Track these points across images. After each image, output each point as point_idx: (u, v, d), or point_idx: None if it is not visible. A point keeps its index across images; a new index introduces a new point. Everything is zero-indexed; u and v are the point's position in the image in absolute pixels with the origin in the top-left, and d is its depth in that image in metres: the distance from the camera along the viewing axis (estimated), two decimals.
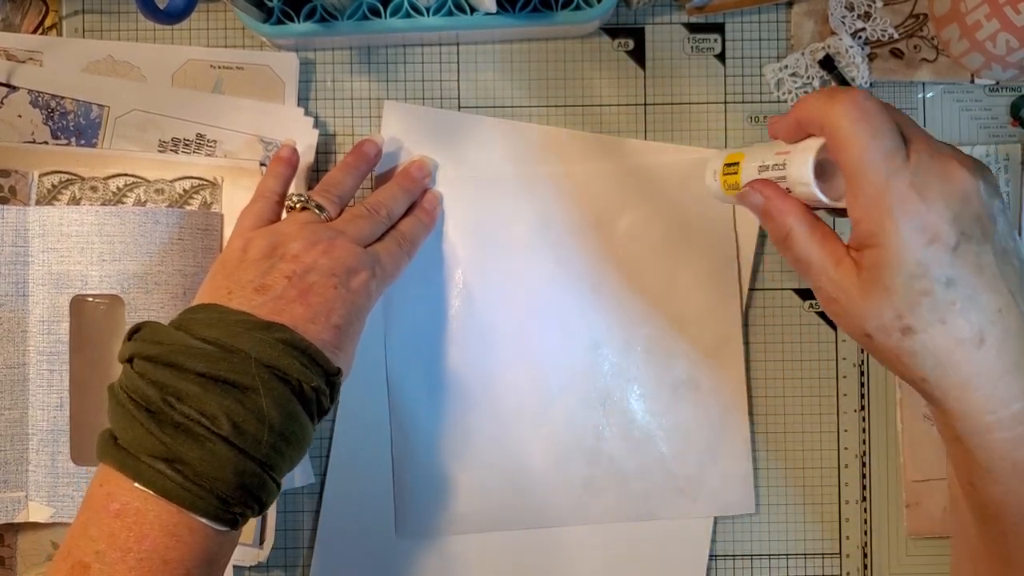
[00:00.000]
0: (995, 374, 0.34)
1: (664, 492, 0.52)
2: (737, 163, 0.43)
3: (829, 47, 0.52)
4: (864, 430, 0.53)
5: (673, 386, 0.52)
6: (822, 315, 0.53)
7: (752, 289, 0.53)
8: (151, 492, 0.35)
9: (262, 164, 0.52)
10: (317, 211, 0.46)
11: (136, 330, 0.40)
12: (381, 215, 0.47)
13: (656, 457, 0.52)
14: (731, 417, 0.52)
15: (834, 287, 0.36)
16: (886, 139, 0.34)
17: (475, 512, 0.52)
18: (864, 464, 0.53)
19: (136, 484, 0.35)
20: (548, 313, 0.52)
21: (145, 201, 0.52)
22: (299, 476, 0.51)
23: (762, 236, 0.53)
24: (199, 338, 0.38)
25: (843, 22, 0.53)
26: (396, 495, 0.52)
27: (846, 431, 0.53)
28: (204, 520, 0.36)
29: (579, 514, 0.52)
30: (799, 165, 0.37)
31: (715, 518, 0.53)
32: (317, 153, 0.53)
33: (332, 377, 0.40)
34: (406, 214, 0.50)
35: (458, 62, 0.53)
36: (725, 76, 0.54)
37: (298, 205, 0.46)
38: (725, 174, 0.44)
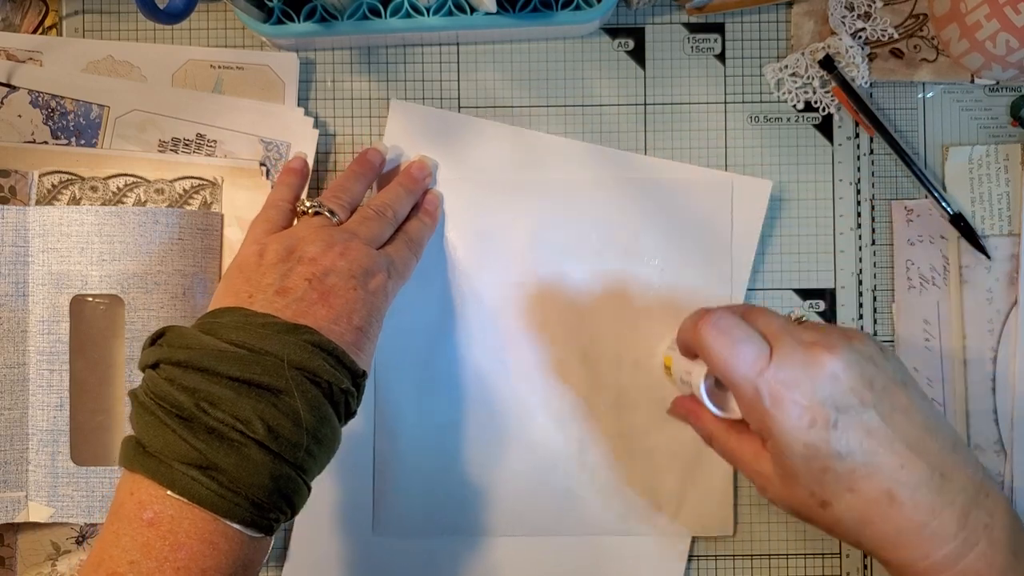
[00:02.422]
0: (915, 525, 0.36)
1: (644, 508, 0.52)
2: (668, 367, 0.47)
3: (829, 47, 0.52)
4: None
5: (660, 402, 0.52)
6: (822, 315, 0.53)
7: (751, 289, 0.53)
8: (186, 500, 0.35)
9: (262, 164, 0.52)
10: (329, 215, 0.46)
11: (159, 335, 0.39)
12: (388, 216, 0.47)
13: (639, 473, 0.52)
14: None
15: (758, 476, 0.40)
16: (746, 348, 0.37)
17: (455, 515, 0.52)
18: None
19: (170, 492, 0.35)
20: (540, 321, 0.52)
21: (145, 201, 0.52)
22: None
23: (763, 236, 0.53)
24: (228, 341, 0.37)
25: (843, 22, 0.53)
26: (376, 493, 0.52)
27: None
28: (240, 527, 0.35)
29: (559, 524, 0.52)
30: (696, 387, 0.42)
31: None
32: (317, 153, 0.53)
33: (358, 379, 0.40)
34: (409, 215, 0.50)
35: (458, 62, 0.53)
36: (725, 76, 0.54)
37: (311, 210, 0.46)
38: (666, 369, 0.48)
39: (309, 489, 0.38)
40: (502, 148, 0.52)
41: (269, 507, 0.36)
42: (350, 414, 0.40)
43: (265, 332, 0.38)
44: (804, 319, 0.42)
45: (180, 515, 0.35)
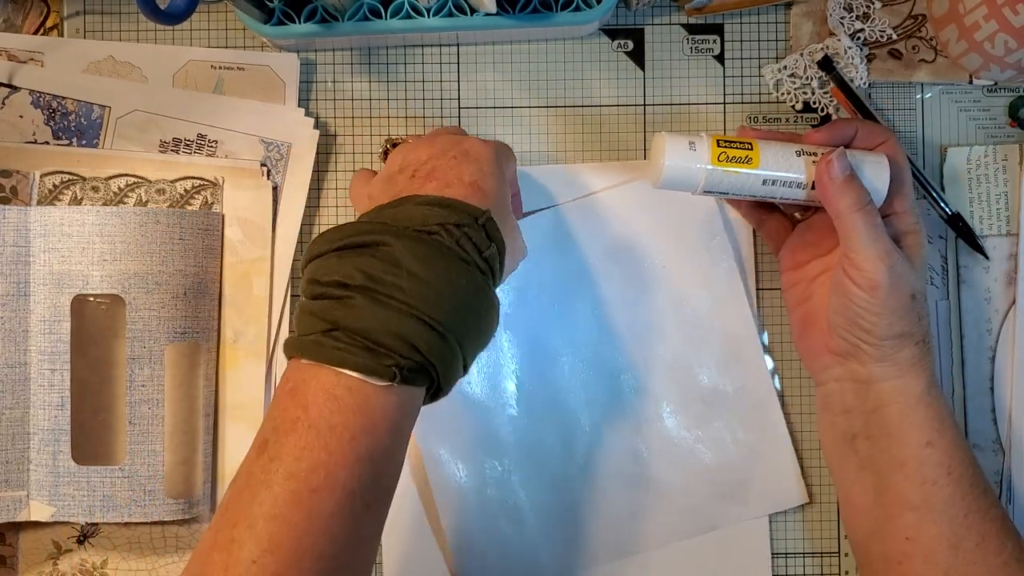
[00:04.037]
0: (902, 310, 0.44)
1: (714, 502, 0.52)
2: (745, 142, 0.45)
3: (828, 48, 0.53)
4: None
5: (702, 396, 0.52)
6: None
7: (759, 289, 0.53)
8: (310, 362, 0.37)
9: (263, 164, 0.52)
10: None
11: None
12: None
13: (699, 469, 0.52)
14: (764, 414, 0.53)
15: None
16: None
17: (525, 564, 0.52)
18: None
19: (303, 360, 0.37)
20: (563, 351, 0.52)
21: (146, 201, 0.52)
22: None
23: (759, 236, 0.53)
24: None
25: (842, 23, 0.53)
26: (449, 538, 0.52)
27: None
28: (358, 375, 0.36)
29: (633, 542, 0.52)
30: (875, 168, 0.44)
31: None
32: (317, 153, 0.53)
33: (479, 219, 0.39)
34: None
35: (458, 62, 0.54)
36: (724, 77, 0.54)
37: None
38: (727, 147, 0.45)
39: (443, 336, 0.37)
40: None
41: (384, 350, 0.36)
42: (481, 255, 0.39)
43: (374, 214, 0.40)
44: None
45: (308, 377, 0.37)
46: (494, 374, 0.52)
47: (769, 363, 0.53)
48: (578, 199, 0.53)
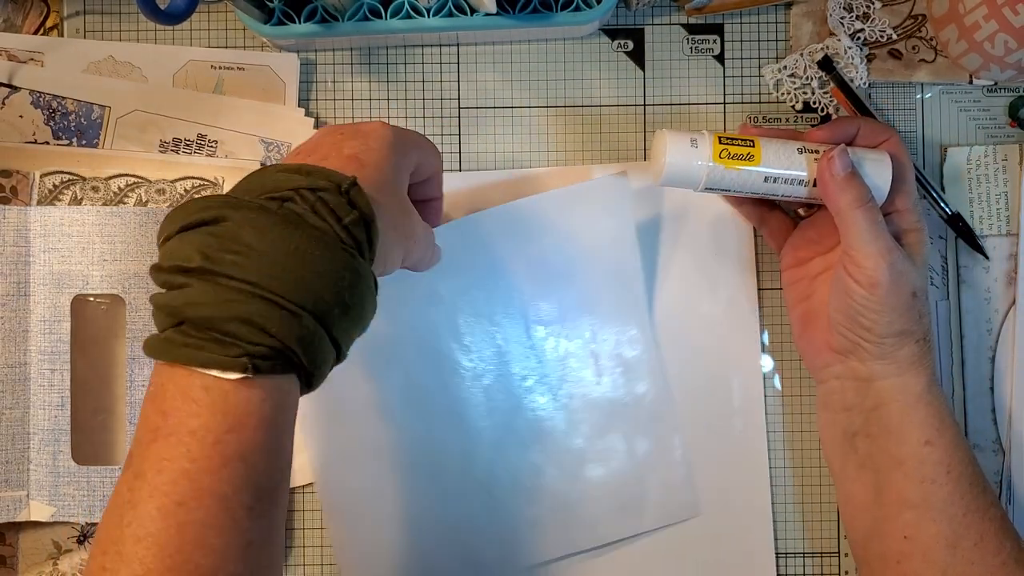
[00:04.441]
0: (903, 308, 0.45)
1: (610, 515, 0.52)
2: (747, 139, 0.45)
3: (828, 48, 0.53)
4: None
5: (600, 407, 0.52)
6: None
7: (760, 289, 0.53)
8: (164, 362, 0.33)
9: (263, 164, 0.52)
10: None
11: None
12: None
13: (596, 481, 0.52)
14: (661, 425, 0.52)
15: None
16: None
17: (422, 569, 0.51)
18: None
19: (157, 361, 0.34)
20: (466, 360, 0.52)
21: (146, 201, 0.52)
22: None
23: (761, 237, 0.53)
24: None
25: (842, 23, 0.53)
26: (335, 550, 0.52)
27: None
28: (212, 372, 0.32)
29: (532, 553, 0.52)
30: (877, 166, 0.45)
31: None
32: None
33: (342, 186, 0.35)
34: None
35: (458, 62, 0.54)
36: (724, 77, 0.54)
37: None
38: (729, 144, 0.45)
39: (296, 314, 0.33)
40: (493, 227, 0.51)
41: (231, 339, 0.32)
42: (344, 225, 0.34)
43: (232, 192, 0.35)
44: None
45: (165, 380, 0.33)
46: (393, 380, 0.51)
47: (769, 363, 0.54)
48: (497, 207, 0.51)
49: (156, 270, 0.34)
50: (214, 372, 0.32)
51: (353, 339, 0.37)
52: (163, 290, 0.34)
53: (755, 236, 0.53)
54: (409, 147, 0.41)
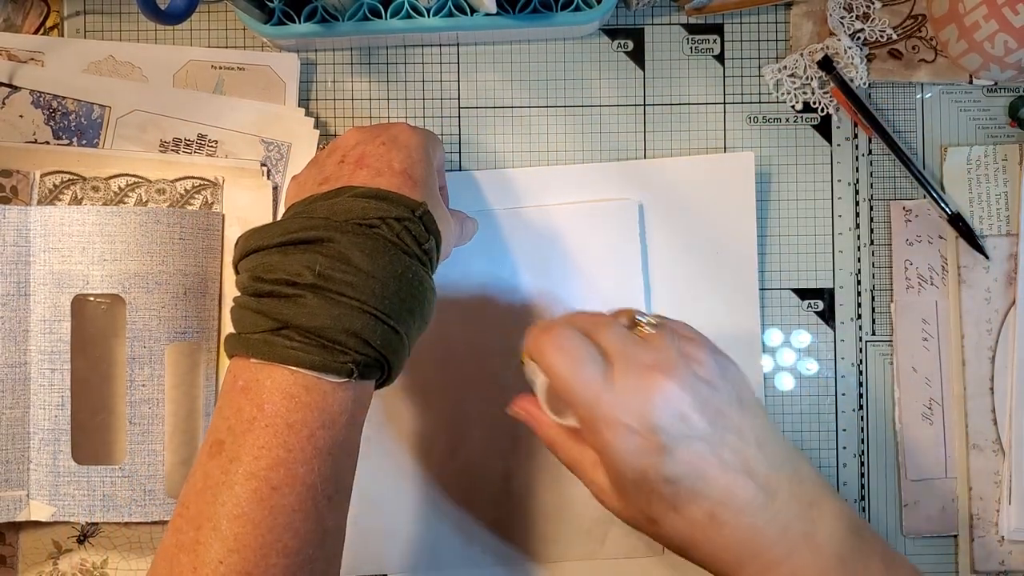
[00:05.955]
0: (734, 543, 0.37)
1: (571, 534, 0.52)
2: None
3: (828, 48, 0.53)
4: (862, 430, 0.54)
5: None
6: (820, 315, 0.54)
7: (761, 289, 0.53)
8: (264, 361, 0.36)
9: (263, 164, 0.52)
10: None
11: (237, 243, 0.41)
12: None
13: (564, 499, 0.52)
14: None
15: (595, 487, 0.40)
16: (585, 369, 0.37)
17: (391, 553, 0.52)
18: (862, 464, 0.54)
19: (252, 359, 0.37)
20: (459, 357, 0.52)
21: (146, 201, 0.52)
22: None
23: (762, 236, 0.53)
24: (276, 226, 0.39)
25: (842, 23, 0.53)
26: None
27: (844, 430, 0.54)
28: (314, 373, 0.36)
29: (495, 554, 0.52)
30: (540, 394, 0.41)
31: None
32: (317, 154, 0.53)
33: (416, 212, 0.39)
34: None
35: (458, 62, 0.54)
36: (724, 77, 0.54)
37: None
38: (522, 365, 0.43)
39: (396, 331, 0.38)
40: (487, 191, 0.52)
41: (339, 347, 0.36)
42: (420, 247, 0.39)
43: (308, 206, 0.39)
44: (650, 324, 0.40)
45: (262, 376, 0.37)
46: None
47: (769, 363, 0.54)
48: (510, 208, 0.52)
49: (256, 280, 0.38)
50: (320, 374, 0.36)
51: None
52: (250, 296, 0.38)
53: (756, 236, 0.53)
54: (436, 148, 0.45)
